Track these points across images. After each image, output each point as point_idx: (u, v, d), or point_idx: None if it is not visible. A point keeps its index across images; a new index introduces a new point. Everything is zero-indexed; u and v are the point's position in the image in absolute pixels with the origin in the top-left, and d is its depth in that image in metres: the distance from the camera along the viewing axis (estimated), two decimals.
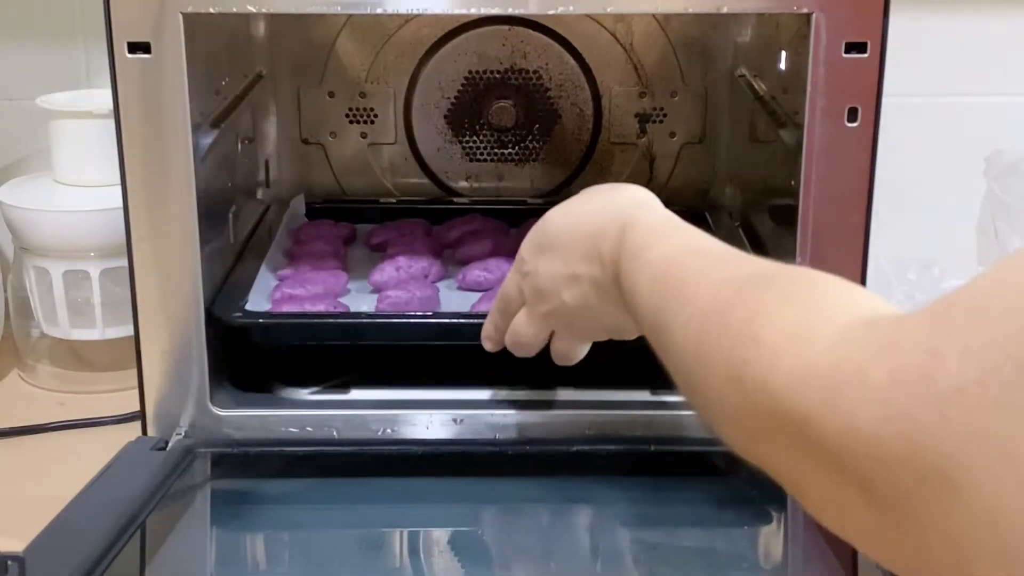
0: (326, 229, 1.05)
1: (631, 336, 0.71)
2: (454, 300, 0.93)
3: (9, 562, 0.62)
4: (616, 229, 0.66)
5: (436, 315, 0.89)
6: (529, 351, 0.77)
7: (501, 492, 0.84)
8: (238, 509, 0.86)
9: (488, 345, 0.80)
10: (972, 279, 0.39)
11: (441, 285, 0.96)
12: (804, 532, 0.79)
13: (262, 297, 0.90)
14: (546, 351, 0.78)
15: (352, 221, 1.09)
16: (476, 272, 0.95)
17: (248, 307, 0.88)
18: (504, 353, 0.81)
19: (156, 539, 0.76)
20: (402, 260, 0.96)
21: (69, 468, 0.81)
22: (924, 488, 0.36)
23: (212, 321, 0.85)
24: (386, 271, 0.95)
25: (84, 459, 0.81)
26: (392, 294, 0.91)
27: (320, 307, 0.88)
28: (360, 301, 0.93)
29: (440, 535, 0.81)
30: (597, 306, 0.69)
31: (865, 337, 0.42)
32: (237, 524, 0.84)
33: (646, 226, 0.65)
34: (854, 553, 0.73)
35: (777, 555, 0.81)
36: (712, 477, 0.85)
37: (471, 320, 0.85)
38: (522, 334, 0.76)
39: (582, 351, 0.78)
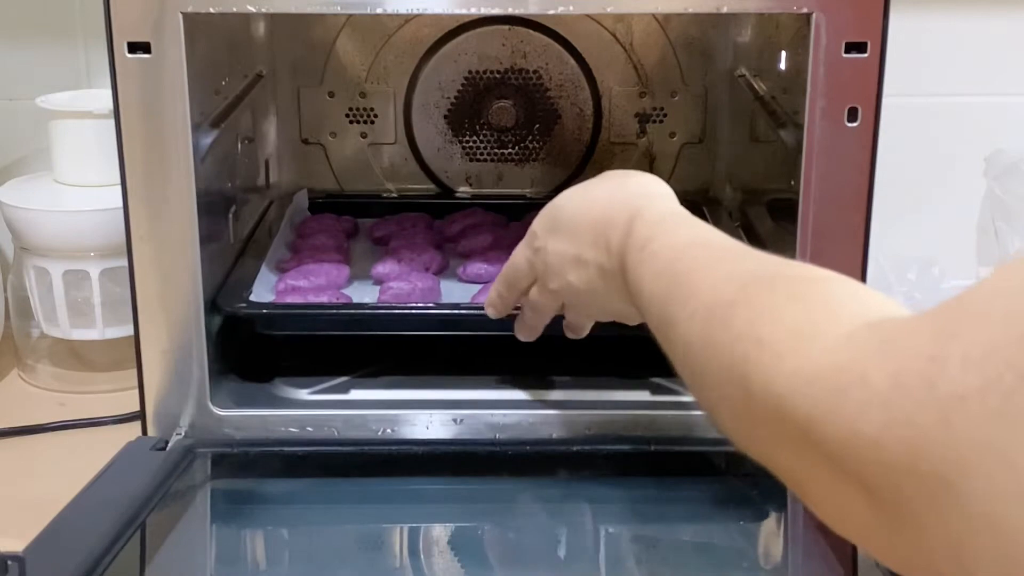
0: (328, 223, 1.06)
1: (635, 322, 0.72)
2: (455, 292, 0.94)
3: (9, 562, 0.62)
4: (624, 218, 0.67)
5: (439, 305, 0.90)
6: (543, 319, 0.80)
7: (501, 492, 0.84)
8: (238, 509, 0.86)
9: (491, 312, 0.83)
10: (974, 284, 0.39)
11: (442, 278, 0.96)
12: (804, 531, 0.79)
13: (265, 289, 0.91)
14: (551, 339, 0.80)
15: (354, 215, 1.09)
16: (477, 265, 0.96)
17: (252, 299, 0.88)
18: (505, 344, 0.83)
19: (156, 539, 0.76)
20: (404, 253, 0.97)
21: (69, 468, 0.81)
22: (925, 492, 0.37)
23: (216, 313, 0.85)
24: (388, 264, 0.95)
25: (84, 459, 0.81)
26: (394, 285, 0.91)
27: (323, 298, 0.89)
28: (363, 292, 0.93)
29: (440, 535, 0.82)
30: (602, 291, 0.71)
31: (868, 340, 0.42)
32: (237, 524, 0.84)
33: (653, 217, 0.66)
34: (854, 553, 0.73)
35: (777, 554, 0.81)
36: (712, 477, 0.85)
37: (472, 311, 0.86)
38: (536, 303, 0.79)
39: (590, 325, 0.81)
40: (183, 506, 0.80)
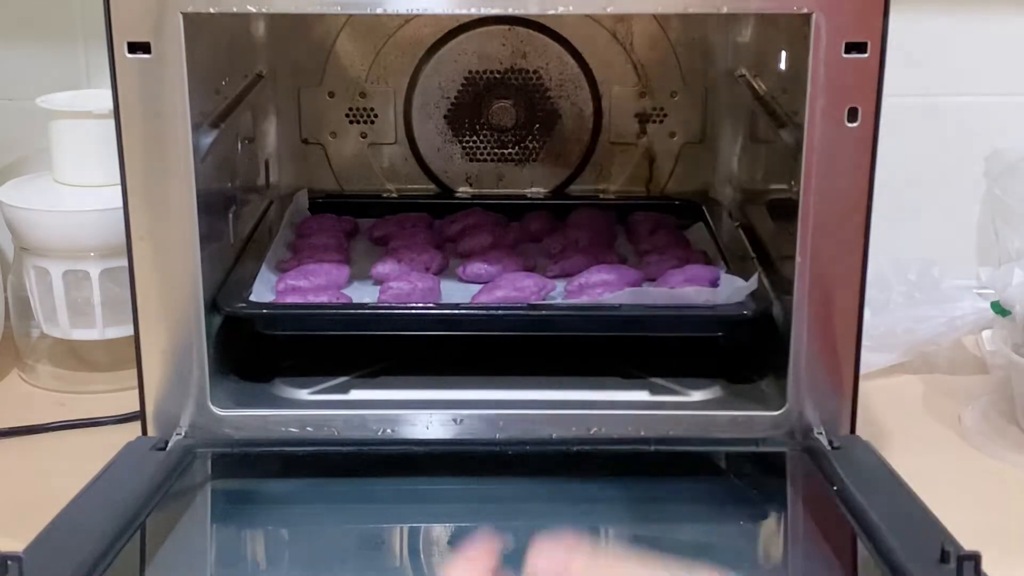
0: (329, 223, 1.06)
1: None
2: (455, 292, 0.94)
3: (9, 562, 0.62)
4: None
5: (439, 305, 0.90)
6: None
7: (501, 492, 0.84)
8: (238, 509, 0.86)
9: None
10: None
11: (442, 278, 0.96)
12: (804, 532, 0.79)
13: (266, 289, 0.91)
14: (551, 339, 0.78)
15: (354, 215, 1.09)
16: (477, 265, 0.96)
17: (252, 299, 0.88)
18: (505, 344, 0.82)
19: (156, 539, 0.76)
20: (404, 253, 0.97)
21: (69, 468, 0.81)
22: None
23: (216, 313, 0.85)
24: (388, 264, 0.95)
25: (84, 459, 0.81)
26: (394, 285, 0.91)
27: (323, 298, 0.89)
28: (363, 292, 0.93)
29: (440, 535, 0.81)
30: None
31: None
32: (237, 524, 0.84)
33: None
34: (854, 553, 0.73)
35: (777, 555, 0.81)
36: (712, 477, 0.85)
37: (472, 311, 0.86)
38: None
39: None
40: (183, 506, 0.80)
